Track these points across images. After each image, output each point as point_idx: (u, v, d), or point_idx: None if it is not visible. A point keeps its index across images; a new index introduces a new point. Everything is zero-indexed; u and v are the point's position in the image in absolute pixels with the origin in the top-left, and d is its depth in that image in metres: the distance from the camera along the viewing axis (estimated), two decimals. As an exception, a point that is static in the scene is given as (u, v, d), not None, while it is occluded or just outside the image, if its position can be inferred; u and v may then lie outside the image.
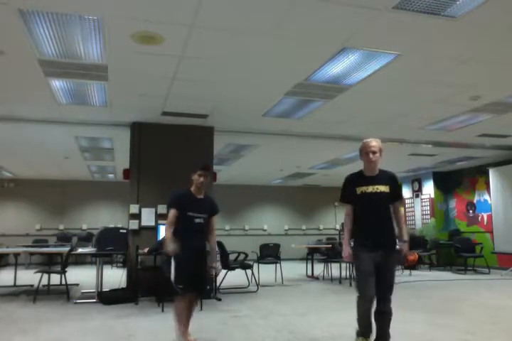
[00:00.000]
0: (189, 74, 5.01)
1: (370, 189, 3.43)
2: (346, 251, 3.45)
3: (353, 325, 3.63)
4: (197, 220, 3.76)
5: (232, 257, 7.44)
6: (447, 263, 11.15)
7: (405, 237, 3.51)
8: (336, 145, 8.53)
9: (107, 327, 4.49)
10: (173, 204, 3.81)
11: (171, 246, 3.60)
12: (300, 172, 12.34)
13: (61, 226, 13.34)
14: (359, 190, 3.46)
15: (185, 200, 3.81)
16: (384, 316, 3.38)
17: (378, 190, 3.42)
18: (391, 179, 3.53)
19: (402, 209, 3.60)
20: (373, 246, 3.36)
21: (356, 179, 3.53)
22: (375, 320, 3.40)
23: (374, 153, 3.41)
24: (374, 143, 3.45)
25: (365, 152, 3.46)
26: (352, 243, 3.51)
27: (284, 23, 3.76)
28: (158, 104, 6.08)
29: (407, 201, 13.20)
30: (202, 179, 3.80)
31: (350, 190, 3.51)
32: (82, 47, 4.22)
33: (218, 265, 3.87)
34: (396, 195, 3.54)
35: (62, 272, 6.48)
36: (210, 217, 3.87)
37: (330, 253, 9.15)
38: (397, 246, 3.51)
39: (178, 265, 3.66)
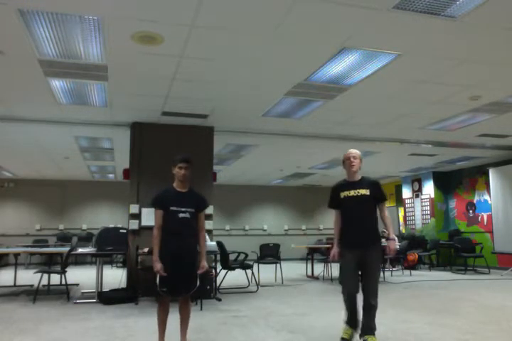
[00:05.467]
0: (189, 74, 5.01)
1: (352, 193, 3.82)
2: (333, 251, 3.87)
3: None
4: (181, 215, 3.48)
5: (232, 257, 7.44)
6: (447, 263, 11.16)
7: (392, 236, 3.87)
8: (335, 145, 8.53)
9: (107, 327, 4.49)
10: (155, 204, 3.57)
11: (157, 266, 3.38)
12: (300, 172, 12.34)
13: (61, 227, 13.35)
14: (342, 194, 3.86)
15: (166, 196, 3.56)
16: (369, 309, 3.69)
17: (359, 193, 3.80)
18: (372, 184, 3.89)
19: (386, 210, 3.96)
20: (354, 245, 3.75)
21: (340, 186, 3.95)
22: (362, 312, 3.72)
23: (354, 158, 3.84)
24: (354, 152, 3.89)
25: (346, 158, 3.89)
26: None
27: (284, 23, 3.76)
28: (158, 104, 6.08)
29: (407, 201, 13.21)
30: (183, 171, 3.55)
31: (334, 196, 3.93)
32: (82, 47, 4.22)
33: (204, 264, 3.52)
34: (379, 197, 3.88)
35: (62, 272, 6.48)
36: (197, 212, 3.59)
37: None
38: (383, 243, 3.90)
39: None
